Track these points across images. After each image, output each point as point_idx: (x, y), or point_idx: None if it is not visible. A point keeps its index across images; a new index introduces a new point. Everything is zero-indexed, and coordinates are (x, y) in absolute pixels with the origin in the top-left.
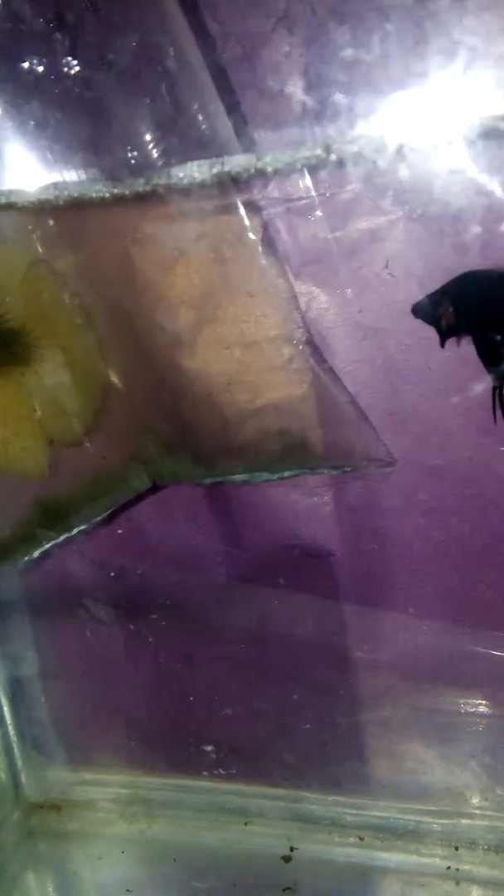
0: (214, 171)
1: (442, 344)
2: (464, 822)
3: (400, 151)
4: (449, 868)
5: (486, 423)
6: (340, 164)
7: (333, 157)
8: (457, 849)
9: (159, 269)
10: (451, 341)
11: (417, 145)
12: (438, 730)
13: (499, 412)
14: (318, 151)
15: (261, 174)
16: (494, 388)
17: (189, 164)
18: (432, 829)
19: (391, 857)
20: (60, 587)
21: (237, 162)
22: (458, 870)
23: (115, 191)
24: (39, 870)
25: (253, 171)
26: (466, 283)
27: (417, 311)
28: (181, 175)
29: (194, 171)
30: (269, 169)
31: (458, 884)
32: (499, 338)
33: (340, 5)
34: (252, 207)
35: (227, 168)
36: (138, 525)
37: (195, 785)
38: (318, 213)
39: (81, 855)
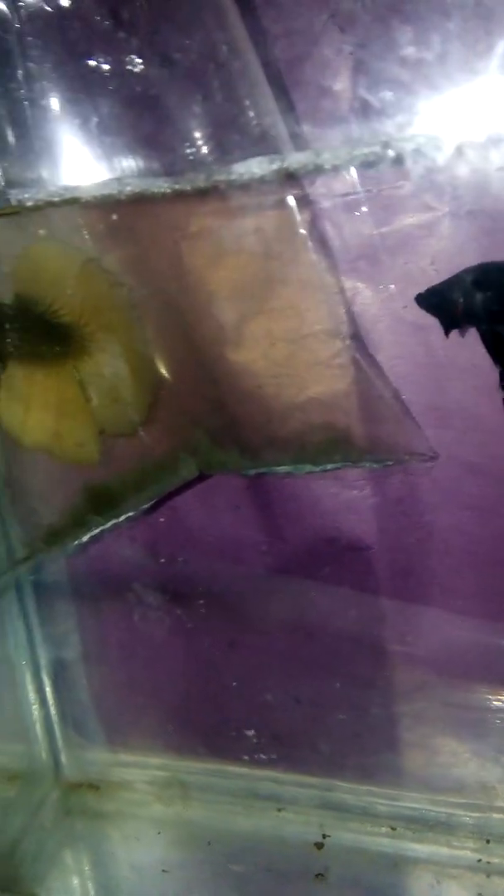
0: (274, 167)
1: (447, 333)
2: (495, 815)
3: (459, 149)
4: (480, 861)
5: None
6: (398, 160)
7: (391, 153)
8: (488, 842)
9: (209, 264)
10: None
11: (474, 142)
12: (472, 725)
13: None
14: (377, 149)
15: (318, 170)
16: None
17: (249, 161)
18: (464, 821)
19: (422, 848)
20: (106, 572)
21: (297, 159)
22: (489, 863)
23: (177, 186)
24: (77, 848)
25: (312, 167)
26: (480, 275)
27: (421, 300)
28: (241, 171)
29: (254, 167)
30: (328, 166)
31: (488, 876)
32: None
33: (399, 3)
34: (302, 203)
35: (286, 165)
36: (181, 514)
37: (231, 770)
38: (364, 208)
39: (118, 835)
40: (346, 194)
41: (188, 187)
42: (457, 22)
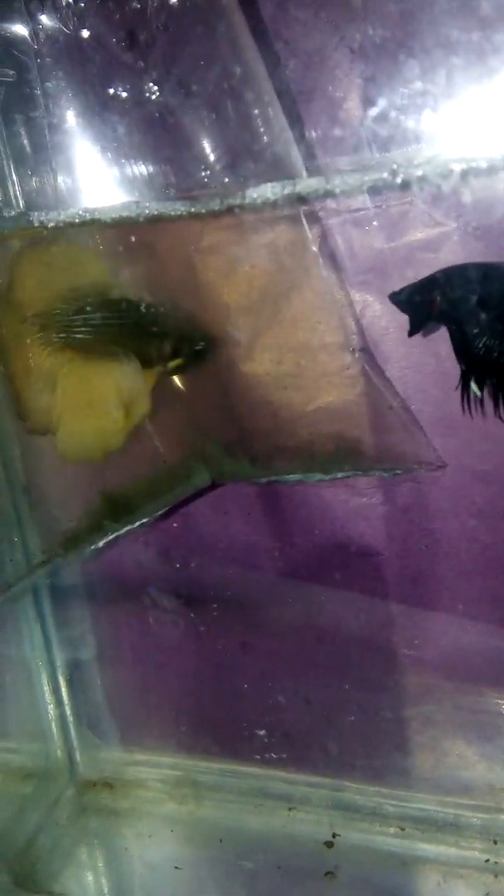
0: (286, 192)
1: (412, 333)
2: (503, 817)
3: (464, 174)
4: (488, 861)
5: None
6: (405, 185)
7: (399, 180)
8: (495, 842)
9: (221, 277)
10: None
11: (479, 168)
12: (480, 728)
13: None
14: (385, 175)
15: (329, 195)
16: (464, 375)
17: (263, 186)
18: (472, 822)
19: (431, 848)
20: (120, 576)
21: (308, 185)
22: (496, 863)
23: (193, 210)
24: (91, 845)
25: (322, 192)
26: (458, 276)
27: (395, 298)
28: (255, 196)
29: (268, 192)
30: (338, 191)
31: (496, 877)
32: (476, 331)
33: (407, 38)
34: (312, 218)
35: (298, 190)
36: (194, 520)
37: (242, 770)
38: (375, 223)
39: (131, 832)
40: (357, 210)
41: (203, 210)
42: (462, 56)
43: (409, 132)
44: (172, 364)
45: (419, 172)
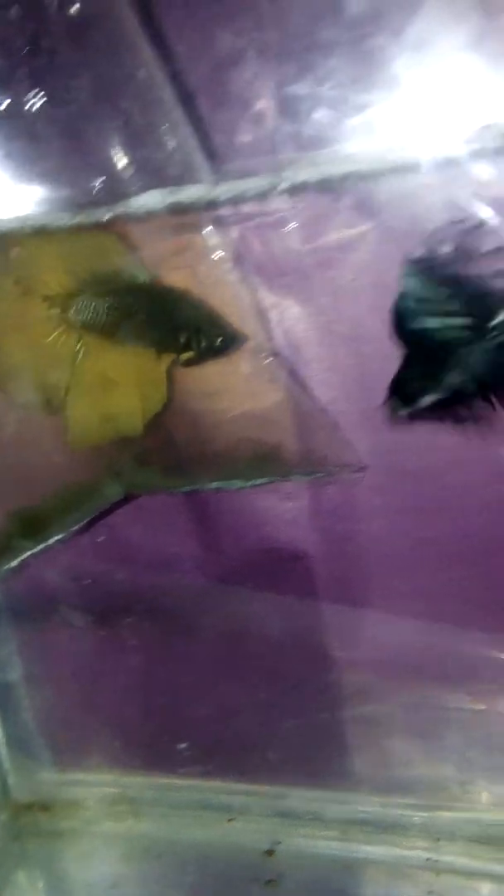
0: (169, 201)
1: None
2: (444, 814)
3: (375, 177)
4: (429, 859)
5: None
6: (293, 190)
7: (284, 185)
8: (437, 840)
9: None
10: None
11: (389, 168)
12: (419, 725)
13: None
14: (269, 181)
15: (213, 204)
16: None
17: (145, 195)
18: (414, 821)
19: (373, 850)
20: (43, 594)
21: (191, 192)
22: (438, 861)
23: (77, 220)
24: (30, 868)
25: (206, 200)
26: None
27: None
28: (139, 205)
29: (150, 201)
30: (222, 198)
31: (438, 874)
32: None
33: (316, 41)
34: (227, 221)
35: (181, 198)
36: (119, 532)
37: (179, 783)
38: (291, 225)
39: (70, 853)
40: (272, 213)
41: (89, 221)
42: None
43: (320, 134)
44: (185, 356)
45: (303, 177)
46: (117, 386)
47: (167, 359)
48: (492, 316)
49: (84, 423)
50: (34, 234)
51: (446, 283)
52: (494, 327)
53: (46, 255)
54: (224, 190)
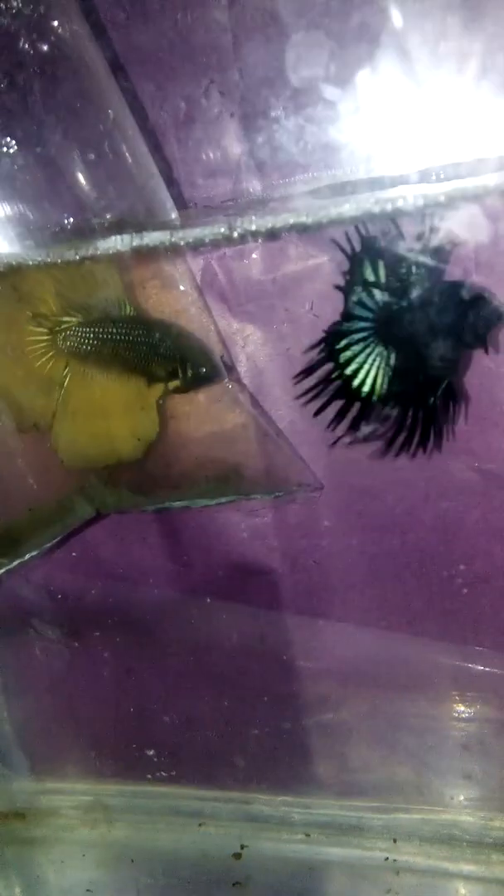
0: (135, 244)
1: None
2: (402, 816)
3: (327, 210)
4: (387, 859)
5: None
6: (243, 239)
7: (236, 234)
8: (395, 841)
9: None
10: None
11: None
12: (378, 731)
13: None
14: (223, 230)
15: (175, 246)
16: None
17: (111, 238)
18: (374, 823)
19: (336, 852)
20: (14, 609)
21: (154, 237)
22: (396, 860)
23: (48, 259)
24: (6, 875)
25: (168, 243)
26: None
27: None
28: (106, 247)
29: (117, 244)
30: (182, 243)
31: (397, 874)
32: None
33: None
34: (185, 256)
35: (145, 241)
36: (92, 547)
37: (151, 790)
38: (254, 256)
39: (46, 859)
40: (236, 244)
41: (58, 260)
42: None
43: (282, 168)
44: (172, 385)
45: (253, 227)
46: (106, 412)
47: (158, 388)
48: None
49: (73, 447)
50: (9, 272)
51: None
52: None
53: (39, 280)
54: (183, 235)
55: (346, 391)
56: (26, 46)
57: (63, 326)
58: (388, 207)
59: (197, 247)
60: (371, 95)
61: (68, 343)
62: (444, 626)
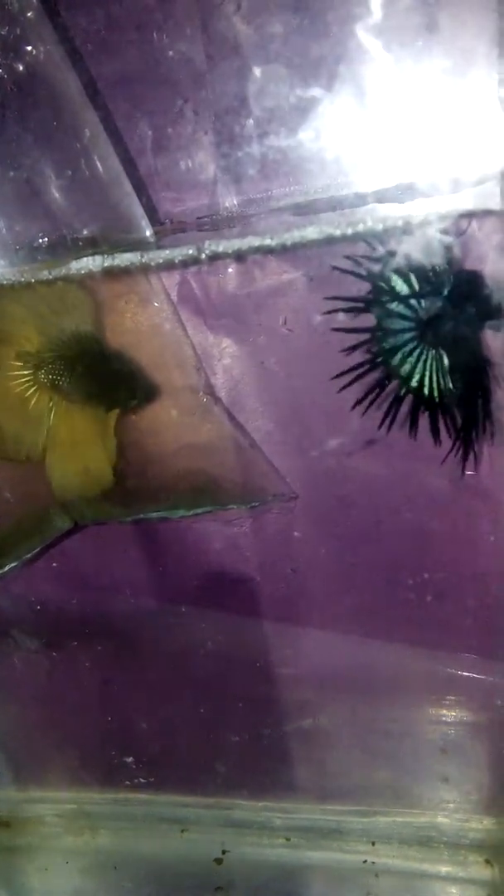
0: (107, 264)
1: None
2: (380, 819)
3: (301, 228)
4: (366, 861)
5: (386, 456)
6: (212, 260)
7: (204, 256)
8: (374, 844)
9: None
10: None
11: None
12: (356, 736)
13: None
14: (192, 252)
15: (146, 267)
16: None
17: (85, 260)
18: (353, 827)
19: (316, 855)
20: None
21: (126, 258)
22: (374, 863)
23: (23, 279)
24: None
25: (139, 264)
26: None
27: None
28: (78, 267)
29: (90, 264)
30: (153, 264)
31: (377, 876)
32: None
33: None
34: (156, 273)
35: (116, 262)
36: (72, 558)
37: (134, 797)
38: (230, 270)
39: (30, 867)
40: (211, 259)
41: (32, 279)
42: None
43: (255, 186)
44: (131, 405)
45: (219, 248)
46: (82, 443)
47: (114, 413)
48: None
49: (64, 480)
50: None
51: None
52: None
53: (20, 311)
54: (153, 256)
55: (419, 402)
56: (1, 66)
57: (44, 361)
58: (351, 231)
59: (169, 267)
60: (331, 120)
61: (49, 377)
62: (418, 632)
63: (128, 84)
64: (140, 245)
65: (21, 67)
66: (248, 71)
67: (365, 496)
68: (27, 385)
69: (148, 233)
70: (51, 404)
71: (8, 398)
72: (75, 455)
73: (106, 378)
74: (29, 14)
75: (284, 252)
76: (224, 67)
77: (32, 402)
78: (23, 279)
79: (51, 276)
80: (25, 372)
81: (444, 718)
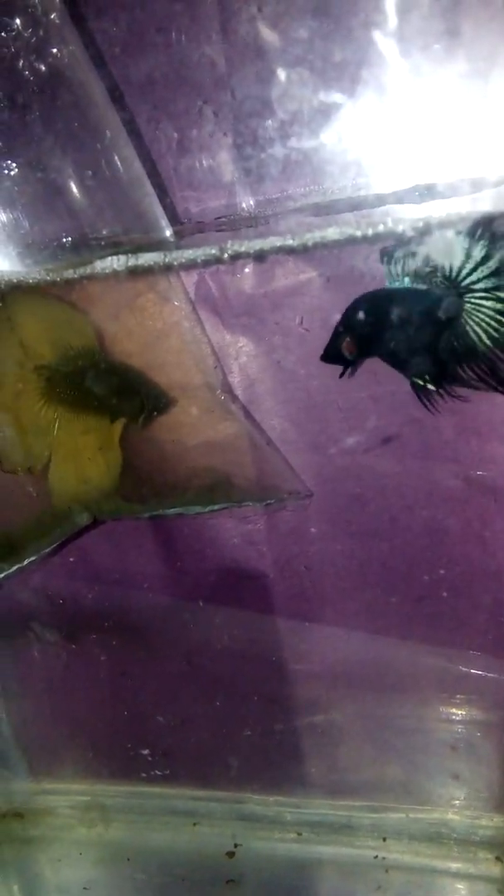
0: (130, 264)
1: (348, 372)
2: (391, 815)
3: (318, 228)
4: (377, 857)
5: (400, 454)
6: (233, 259)
7: (226, 256)
8: (384, 839)
9: (106, 321)
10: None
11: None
12: (367, 732)
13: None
14: (215, 252)
15: (169, 267)
16: (413, 384)
17: (109, 259)
18: (363, 822)
19: (327, 850)
20: (13, 613)
21: (149, 258)
22: (385, 858)
23: (48, 278)
24: (5, 873)
25: (162, 263)
26: (356, 311)
27: (325, 357)
28: (102, 267)
29: (114, 264)
30: (176, 264)
31: (387, 871)
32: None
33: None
34: (176, 272)
35: (140, 262)
36: (89, 553)
37: (147, 790)
38: (247, 270)
39: (43, 858)
40: (230, 259)
41: (58, 278)
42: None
43: (275, 187)
44: (143, 417)
45: (241, 248)
46: (85, 453)
47: (118, 424)
48: None
49: (64, 488)
50: (9, 289)
51: None
52: None
53: (36, 325)
54: (176, 256)
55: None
56: (25, 67)
57: (55, 374)
58: (371, 231)
59: (189, 267)
60: (352, 122)
61: (57, 390)
62: (431, 629)
63: (151, 87)
64: (160, 245)
65: (44, 69)
66: (272, 74)
67: (379, 494)
68: (39, 398)
69: (168, 233)
70: (55, 416)
71: (21, 411)
72: (77, 466)
73: (113, 391)
74: (52, 16)
75: (305, 252)
76: (246, 70)
77: (42, 415)
78: (48, 278)
79: (76, 275)
80: (39, 385)
81: (455, 716)
